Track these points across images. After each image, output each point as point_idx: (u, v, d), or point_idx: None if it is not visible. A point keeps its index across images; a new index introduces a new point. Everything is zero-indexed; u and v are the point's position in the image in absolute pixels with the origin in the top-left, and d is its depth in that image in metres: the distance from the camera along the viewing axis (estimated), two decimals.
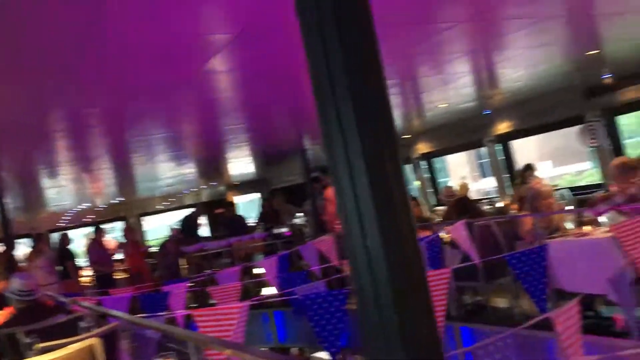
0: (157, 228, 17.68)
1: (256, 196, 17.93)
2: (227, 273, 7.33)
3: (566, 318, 2.55)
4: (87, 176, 9.83)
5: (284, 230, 9.97)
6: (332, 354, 3.86)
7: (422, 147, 11.95)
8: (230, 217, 11.68)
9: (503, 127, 9.94)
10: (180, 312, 3.97)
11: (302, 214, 11.68)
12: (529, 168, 8.43)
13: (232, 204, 12.14)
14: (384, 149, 1.21)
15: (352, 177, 1.19)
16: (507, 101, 9.14)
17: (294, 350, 10.83)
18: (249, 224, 11.95)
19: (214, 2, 3.14)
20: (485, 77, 7.61)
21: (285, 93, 6.37)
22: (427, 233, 7.00)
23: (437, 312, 4.12)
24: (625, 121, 9.38)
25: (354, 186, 1.17)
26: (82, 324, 3.90)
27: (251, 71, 5.00)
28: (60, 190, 10.60)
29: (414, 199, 8.48)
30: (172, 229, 11.24)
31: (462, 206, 6.68)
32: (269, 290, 8.56)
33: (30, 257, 8.95)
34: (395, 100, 7.95)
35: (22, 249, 14.42)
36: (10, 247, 8.21)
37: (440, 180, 13.28)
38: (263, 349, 6.98)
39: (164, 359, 2.29)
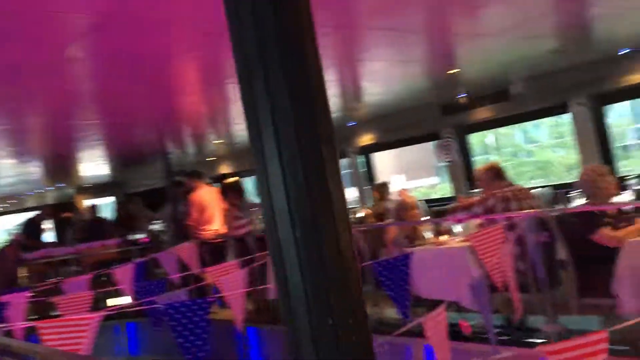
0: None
1: (110, 200, 16.92)
2: (75, 282, 6.73)
3: (435, 324, 2.60)
4: None
5: (140, 236, 9.44)
6: None
7: None
8: (90, 220, 10.86)
9: (366, 139, 10.28)
10: (21, 325, 3.50)
11: (160, 220, 11.17)
12: (384, 185, 8.81)
13: (92, 207, 11.29)
14: (317, 135, 1.13)
15: (283, 166, 1.09)
16: (370, 114, 9.46)
17: None
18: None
19: None
20: (350, 89, 7.79)
21: (148, 91, 6.03)
22: None
23: None
24: (474, 140, 10.15)
25: (285, 176, 1.07)
26: None
27: (112, 63, 4.64)
28: None
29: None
30: (13, 234, 10.21)
31: None
32: (123, 300, 8.03)
33: None
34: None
35: None
36: None
37: None
38: None
39: None
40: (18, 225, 11.40)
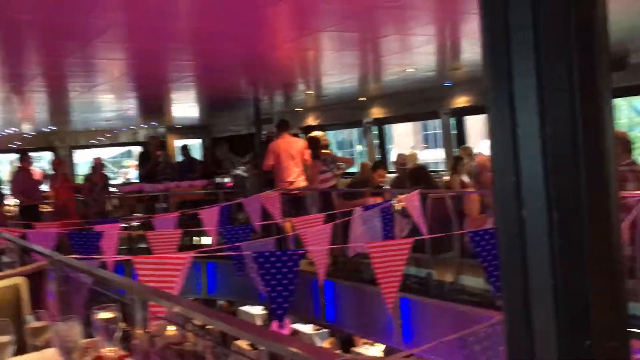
0: (89, 163, 16.85)
1: (197, 142, 17.37)
2: (164, 218, 6.96)
3: None
4: (18, 98, 9.06)
5: (226, 180, 9.62)
6: (279, 316, 3.65)
7: (376, 112, 11.76)
8: (182, 159, 11.24)
9: (460, 101, 9.87)
10: (121, 257, 3.61)
11: (244, 166, 11.35)
12: (468, 149, 8.47)
13: (184, 147, 11.66)
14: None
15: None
16: (468, 75, 9.02)
17: (222, 303, 10.66)
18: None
19: None
20: (449, 47, 7.42)
21: (242, 35, 5.96)
22: (379, 200, 6.87)
23: (394, 282, 3.97)
24: None
25: (543, 126, 0.70)
26: (5, 259, 3.49)
27: (210, 2, 4.58)
28: None
29: (381, 162, 8.31)
30: (95, 159, 10.72)
31: (417, 176, 6.56)
32: (207, 240, 8.26)
33: None
34: (352, 60, 7.68)
35: None
36: None
37: (387, 147, 13.19)
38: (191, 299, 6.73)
39: (104, 311, 1.98)
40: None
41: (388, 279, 4.17)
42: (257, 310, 10.43)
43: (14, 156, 12.94)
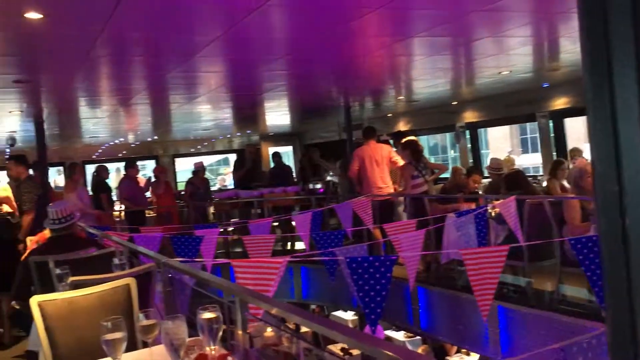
0: (188, 170, 17.68)
1: (288, 149, 17.78)
2: (259, 224, 7.17)
3: None
4: (124, 110, 9.69)
5: (318, 186, 9.77)
6: (372, 321, 3.67)
7: (468, 116, 11.51)
8: (275, 166, 11.57)
9: (559, 103, 9.46)
10: (221, 261, 3.78)
11: (335, 172, 11.48)
12: (575, 151, 8.07)
13: (277, 154, 11.99)
14: None
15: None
16: (567, 76, 8.64)
17: (314, 308, 10.81)
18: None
19: None
20: (547, 47, 7.14)
21: (334, 44, 6.05)
22: (472, 205, 6.73)
23: (489, 290, 3.88)
24: None
25: None
26: (115, 261, 3.75)
27: (304, 14, 4.69)
28: (97, 122, 10.50)
29: (476, 167, 8.16)
30: (196, 163, 11.17)
31: (513, 181, 6.35)
32: (300, 246, 8.42)
33: (66, 186, 8.93)
34: (444, 64, 7.57)
35: (55, 177, 14.55)
36: (44, 173, 8.18)
37: (482, 152, 12.86)
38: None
39: (208, 312, 2.09)
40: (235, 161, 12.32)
41: (483, 286, 4.08)
42: (349, 315, 10.49)
43: (121, 164, 13.83)
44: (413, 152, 7.50)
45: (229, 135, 16.89)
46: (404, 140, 7.98)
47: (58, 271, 3.70)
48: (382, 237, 7.39)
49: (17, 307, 4.93)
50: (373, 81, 9.12)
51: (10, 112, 8.07)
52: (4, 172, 8.17)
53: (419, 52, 6.72)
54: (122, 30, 4.40)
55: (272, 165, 11.95)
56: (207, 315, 2.08)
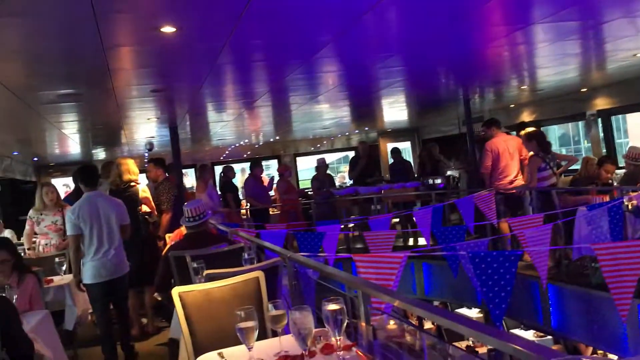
0: (309, 169, 18.15)
1: (406, 144, 17.65)
2: (380, 220, 7.22)
3: None
4: (248, 113, 10.16)
5: (438, 181, 9.64)
6: (497, 317, 3.58)
7: (600, 103, 10.75)
8: (395, 162, 11.61)
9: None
10: (342, 255, 3.87)
11: (455, 167, 11.25)
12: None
13: (397, 150, 12.02)
14: None
15: None
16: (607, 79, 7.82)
17: (437, 304, 10.68)
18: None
19: None
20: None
21: (451, 37, 5.93)
22: (606, 198, 6.31)
23: (627, 288, 3.65)
24: None
25: None
26: (245, 256, 3.98)
27: (421, 10, 4.65)
28: (224, 125, 11.10)
29: (608, 157, 7.66)
30: (319, 159, 11.44)
31: None
32: (421, 242, 8.37)
33: (197, 186, 9.55)
34: (571, 50, 7.14)
35: (187, 178, 15.58)
36: (179, 174, 8.81)
37: (618, 141, 11.95)
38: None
39: (333, 303, 2.17)
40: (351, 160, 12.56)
41: (621, 284, 3.83)
42: (473, 313, 10.25)
43: (246, 165, 14.51)
44: (540, 142, 7.16)
45: (347, 133, 17.09)
46: (527, 130, 7.64)
47: (194, 265, 4.00)
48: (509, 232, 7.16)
49: (159, 298, 5.38)
50: (493, 72, 8.80)
51: (148, 119, 8.77)
52: (144, 175, 8.92)
53: (542, 39, 6.40)
54: (245, 38, 4.64)
55: (391, 161, 11.95)
56: (332, 306, 2.16)
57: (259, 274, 3.13)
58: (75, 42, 4.21)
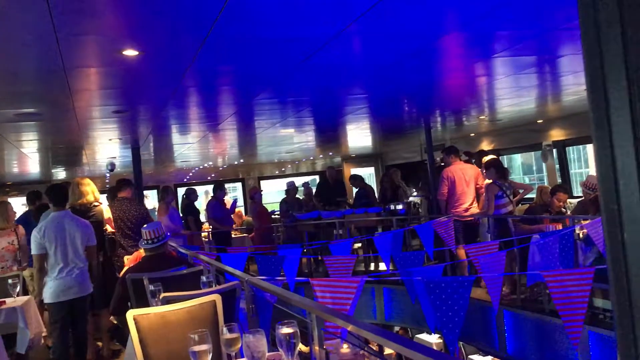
0: (272, 193, 18.15)
1: (369, 170, 17.85)
2: (340, 244, 7.28)
3: None
4: (213, 136, 10.15)
5: (399, 207, 9.77)
6: (451, 342, 3.65)
7: (556, 134, 11.14)
8: (360, 187, 11.70)
9: None
10: (300, 280, 3.90)
11: (417, 193, 11.42)
12: None
13: (359, 176, 12.12)
14: None
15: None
16: None
17: (397, 329, 10.73)
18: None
19: None
20: None
21: (414, 67, 6.10)
22: (559, 226, 6.51)
23: (577, 315, 3.77)
24: None
25: None
26: (203, 279, 3.97)
27: (385, 39, 4.79)
28: (188, 147, 11.07)
29: (561, 186, 7.89)
30: (288, 183, 11.48)
31: None
32: (382, 267, 8.43)
33: (159, 209, 9.46)
34: (528, 83, 7.40)
35: (149, 200, 15.38)
36: (140, 196, 8.72)
37: (575, 171, 12.33)
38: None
39: (286, 327, 2.20)
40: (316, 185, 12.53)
41: (571, 310, 3.96)
42: (433, 338, 10.32)
43: (209, 187, 14.43)
44: (497, 170, 7.37)
45: (312, 158, 17.21)
46: (486, 158, 7.85)
47: (151, 288, 3.96)
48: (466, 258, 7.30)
49: (115, 321, 5.30)
50: (453, 102, 9.04)
51: (110, 139, 8.70)
52: (104, 195, 8.80)
53: (500, 72, 6.64)
54: (209, 63, 4.70)
55: (353, 188, 12.07)
56: (285, 330, 2.19)
57: (216, 297, 3.13)
58: (37, 62, 4.20)
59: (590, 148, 13.74)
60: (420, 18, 4.20)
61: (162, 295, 3.54)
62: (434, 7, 3.99)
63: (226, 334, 2.41)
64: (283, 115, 8.62)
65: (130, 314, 2.89)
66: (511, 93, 8.03)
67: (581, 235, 5.81)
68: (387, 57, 5.55)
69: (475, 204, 7.82)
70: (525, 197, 8.62)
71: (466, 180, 7.80)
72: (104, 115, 6.61)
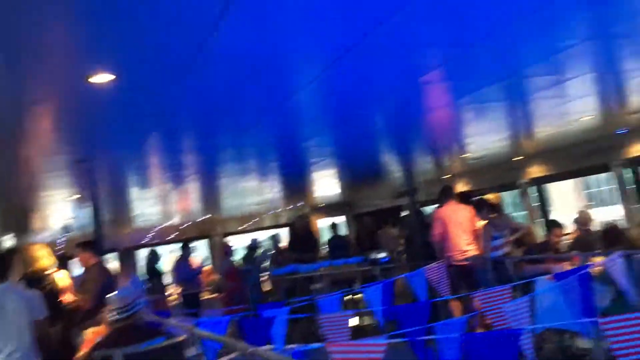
0: (238, 249, 17.36)
1: (341, 219, 17.32)
2: (327, 300, 6.60)
3: None
4: (176, 192, 9.53)
5: (380, 255, 9.21)
6: None
7: (534, 171, 10.90)
8: (336, 237, 11.09)
9: (638, 149, 8.81)
10: (314, 346, 3.23)
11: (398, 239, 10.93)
12: None
13: (334, 225, 11.53)
14: None
15: None
16: None
17: None
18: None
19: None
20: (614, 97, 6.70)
21: (383, 114, 5.99)
22: (566, 265, 6.07)
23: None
24: None
25: None
26: (193, 351, 3.29)
27: (352, 88, 4.63)
28: (150, 204, 10.35)
29: (555, 222, 7.51)
30: (252, 239, 10.88)
31: (614, 236, 5.70)
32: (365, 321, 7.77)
33: (120, 273, 8.61)
34: (500, 124, 7.24)
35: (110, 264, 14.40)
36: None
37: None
38: None
39: None
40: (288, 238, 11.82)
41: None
42: None
43: (174, 247, 13.59)
44: (490, 209, 6.95)
45: (279, 210, 16.63)
46: (481, 198, 7.43)
47: None
48: (462, 308, 6.73)
49: None
50: (425, 143, 8.78)
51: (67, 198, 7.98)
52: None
53: (471, 117, 6.47)
54: (168, 116, 4.46)
55: (329, 237, 11.42)
56: None
57: None
58: None
59: (553, 186, 13.73)
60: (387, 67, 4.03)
61: None
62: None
63: None
64: (246, 165, 8.15)
65: None
66: (483, 134, 7.87)
67: (596, 274, 5.35)
68: (353, 108, 5.34)
69: (473, 247, 7.29)
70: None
71: (460, 222, 7.31)
72: (63, 166, 5.99)
